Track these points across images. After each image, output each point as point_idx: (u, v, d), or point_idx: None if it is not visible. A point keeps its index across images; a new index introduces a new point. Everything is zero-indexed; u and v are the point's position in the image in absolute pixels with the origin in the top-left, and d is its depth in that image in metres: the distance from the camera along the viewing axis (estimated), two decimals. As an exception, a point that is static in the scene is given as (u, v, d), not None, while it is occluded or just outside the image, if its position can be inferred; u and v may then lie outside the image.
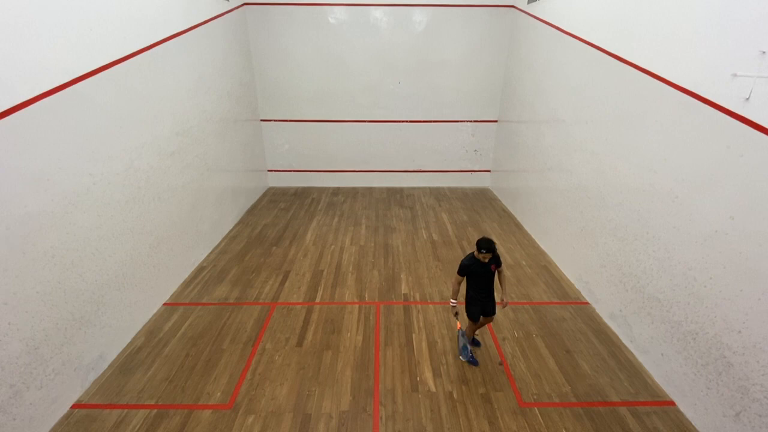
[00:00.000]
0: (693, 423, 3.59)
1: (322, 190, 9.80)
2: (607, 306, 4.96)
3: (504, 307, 4.08)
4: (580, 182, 5.60)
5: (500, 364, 4.17)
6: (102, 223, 4.09)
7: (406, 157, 9.91)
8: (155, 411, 3.67)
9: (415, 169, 10.03)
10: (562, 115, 6.18)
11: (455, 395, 3.88)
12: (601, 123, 5.11)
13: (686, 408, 3.69)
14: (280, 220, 8.01)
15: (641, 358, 4.31)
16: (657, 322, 4.09)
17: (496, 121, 9.58)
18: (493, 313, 4.11)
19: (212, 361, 4.27)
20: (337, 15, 8.61)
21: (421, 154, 9.89)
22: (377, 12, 8.61)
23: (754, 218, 3.06)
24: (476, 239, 7.02)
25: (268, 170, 9.95)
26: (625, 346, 4.53)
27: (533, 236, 7.25)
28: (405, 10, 8.60)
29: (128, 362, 4.25)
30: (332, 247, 6.88)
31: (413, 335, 4.70)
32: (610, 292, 4.88)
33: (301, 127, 9.56)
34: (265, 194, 9.55)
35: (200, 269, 6.09)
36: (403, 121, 9.57)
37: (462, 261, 3.91)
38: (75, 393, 3.77)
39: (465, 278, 3.98)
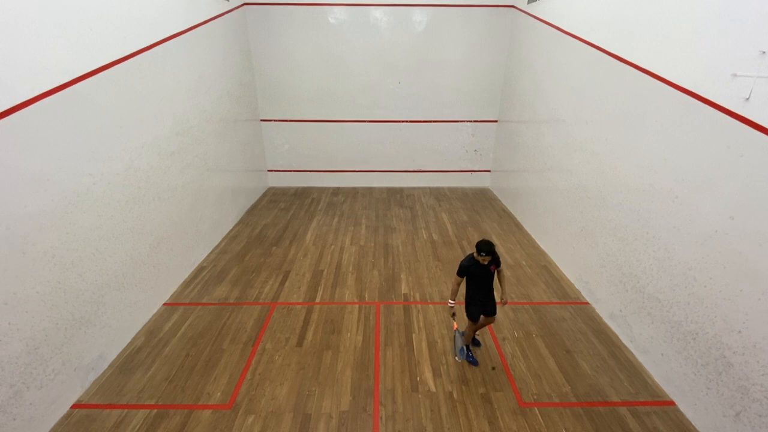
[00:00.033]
0: (693, 423, 3.59)
1: (322, 190, 9.80)
2: (607, 306, 4.96)
3: (503, 305, 4.08)
4: (580, 182, 5.60)
5: (494, 368, 4.14)
6: (102, 223, 4.09)
7: (406, 157, 9.91)
8: (155, 411, 3.67)
9: (415, 169, 10.03)
10: (562, 115, 6.18)
11: (455, 395, 3.88)
12: (601, 123, 5.11)
13: (686, 408, 3.69)
14: (280, 220, 8.01)
15: (641, 358, 4.31)
16: (657, 322, 4.09)
17: (496, 121, 9.58)
18: (494, 313, 4.11)
19: (212, 361, 4.27)
20: (337, 15, 8.61)
21: (421, 154, 9.89)
22: (377, 12, 8.61)
23: (754, 218, 3.06)
24: (476, 239, 7.09)
25: (268, 170, 9.95)
26: (625, 346, 4.53)
27: (533, 236, 7.25)
28: (405, 10, 8.60)
29: (128, 362, 4.25)
30: (332, 247, 6.88)
31: (413, 335, 4.70)
32: (610, 292, 4.88)
33: (301, 127, 9.56)
34: (265, 194, 9.55)
35: (200, 269, 6.09)
36: (403, 121, 9.57)
37: (461, 262, 3.91)
38: (75, 393, 3.77)
39: (464, 279, 3.98)
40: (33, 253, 3.29)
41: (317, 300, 5.38)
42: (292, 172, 10.00)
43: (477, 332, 4.54)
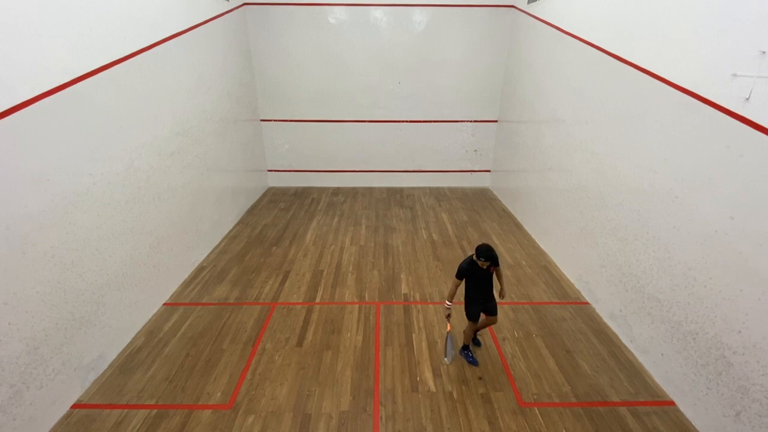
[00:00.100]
0: (693, 423, 3.59)
1: (322, 190, 9.80)
2: (607, 306, 4.96)
3: (502, 297, 4.12)
4: (580, 182, 5.60)
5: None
6: (102, 223, 4.09)
7: (406, 157, 9.91)
8: (155, 411, 3.67)
9: (415, 169, 10.03)
10: (562, 115, 6.18)
11: (455, 395, 3.88)
12: (601, 123, 5.11)
13: (686, 408, 3.69)
14: (280, 220, 8.01)
15: (641, 358, 4.31)
16: (657, 322, 4.09)
17: (496, 121, 9.58)
18: (495, 312, 4.11)
19: (212, 361, 4.27)
20: (337, 15, 8.61)
21: (421, 154, 9.89)
22: (377, 12, 8.61)
23: (754, 218, 3.06)
24: (476, 239, 7.09)
25: (268, 170, 9.95)
26: (625, 346, 4.53)
27: (533, 236, 7.25)
28: (405, 10, 8.60)
29: (128, 362, 4.25)
30: (332, 247, 6.88)
31: (413, 335, 4.70)
32: (610, 292, 4.88)
33: (301, 127, 9.56)
34: (265, 194, 9.55)
35: (200, 269, 6.09)
36: (403, 121, 9.57)
37: (460, 264, 3.91)
38: (75, 393, 3.77)
39: (463, 281, 3.98)
40: (33, 253, 3.29)
41: (317, 300, 5.38)
42: (292, 172, 10.00)
43: (478, 332, 4.55)
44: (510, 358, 4.36)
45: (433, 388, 3.95)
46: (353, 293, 5.54)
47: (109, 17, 4.19)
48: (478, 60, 9.01)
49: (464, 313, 4.17)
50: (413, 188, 10.01)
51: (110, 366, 4.19)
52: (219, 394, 3.86)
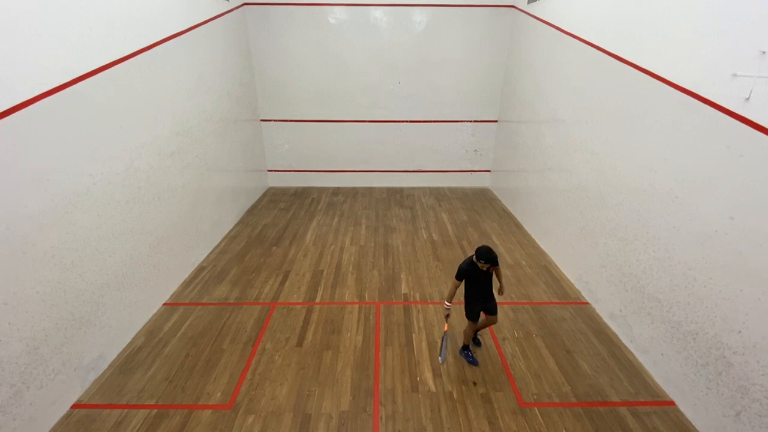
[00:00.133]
0: (693, 423, 3.59)
1: (322, 190, 9.80)
2: (607, 306, 4.96)
3: (501, 294, 4.13)
4: (580, 182, 5.60)
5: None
6: (102, 223, 4.09)
7: (406, 157, 9.91)
8: (155, 411, 3.67)
9: (415, 169, 10.03)
10: (562, 115, 6.18)
11: (455, 395, 3.88)
12: (601, 123, 5.11)
13: (686, 408, 3.69)
14: (280, 220, 8.01)
15: (641, 358, 4.31)
16: (657, 322, 4.09)
17: (496, 121, 9.58)
18: (495, 312, 4.11)
19: (212, 361, 4.27)
20: (337, 15, 8.61)
21: (421, 154, 9.89)
22: (377, 12, 8.61)
23: (754, 218, 3.06)
24: (476, 239, 7.09)
25: (268, 170, 9.95)
26: (625, 346, 4.53)
27: (533, 236, 7.25)
28: (405, 10, 8.60)
29: (128, 362, 4.25)
30: (332, 247, 6.88)
31: (413, 335, 4.70)
32: (610, 292, 4.88)
33: (301, 127, 9.56)
34: (265, 194, 9.55)
35: (200, 269, 6.09)
36: (403, 121, 9.57)
37: (460, 265, 3.91)
38: (75, 393, 3.77)
39: (463, 281, 3.98)
40: (33, 253, 3.29)
41: (317, 300, 5.38)
42: (292, 172, 10.00)
43: (478, 332, 4.55)
44: (510, 358, 4.36)
45: (433, 388, 3.95)
46: (353, 293, 5.54)
47: (109, 17, 4.19)
48: (478, 60, 9.01)
49: (464, 313, 4.17)
50: (413, 188, 10.01)
51: (110, 366, 4.19)
52: (219, 394, 3.86)
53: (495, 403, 3.79)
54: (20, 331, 3.20)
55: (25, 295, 3.24)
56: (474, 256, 3.78)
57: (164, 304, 5.22)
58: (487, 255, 3.67)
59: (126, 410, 3.67)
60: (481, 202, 9.10)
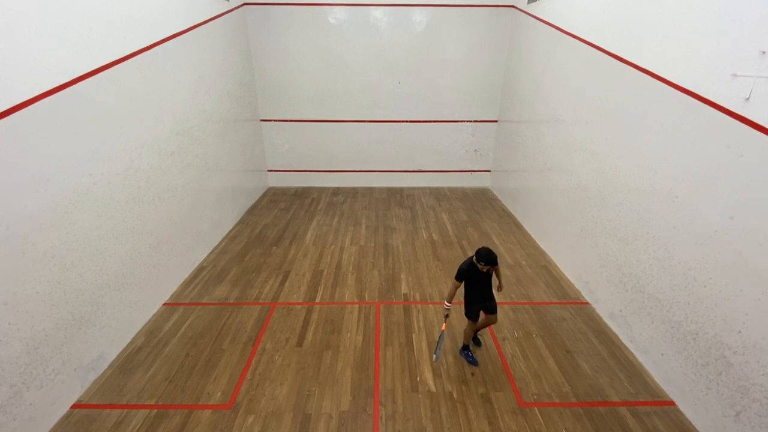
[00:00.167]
0: (693, 423, 3.59)
1: (322, 190, 9.80)
2: (607, 306, 4.96)
3: (499, 291, 4.16)
4: (580, 182, 5.60)
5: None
6: (102, 223, 4.09)
7: (406, 157, 9.90)
8: (155, 411, 3.67)
9: (415, 169, 10.03)
10: (562, 115, 6.18)
11: (455, 395, 3.88)
12: (601, 123, 5.11)
13: (686, 408, 3.69)
14: (280, 220, 8.01)
15: (641, 358, 4.31)
16: (657, 322, 4.09)
17: (496, 121, 9.58)
18: (495, 311, 4.11)
19: (212, 361, 4.27)
20: (337, 15, 8.61)
21: (421, 154, 9.88)
22: (377, 12, 8.61)
23: (754, 218, 3.06)
24: (476, 239, 7.10)
25: (268, 170, 9.95)
26: (625, 346, 4.53)
27: (533, 236, 7.25)
28: (405, 10, 8.60)
29: (128, 362, 4.25)
30: (332, 247, 6.88)
31: (413, 335, 4.70)
32: (610, 292, 4.88)
33: (301, 127, 9.56)
34: (265, 194, 9.55)
35: (200, 269, 6.09)
36: (403, 121, 9.56)
37: (460, 266, 3.91)
38: (75, 393, 3.77)
39: (463, 282, 3.99)
40: (33, 253, 3.29)
41: (317, 300, 5.38)
42: (292, 172, 10.00)
43: (478, 332, 4.55)
44: (510, 358, 4.36)
45: (433, 388, 3.95)
46: (353, 293, 5.54)
47: (109, 17, 4.19)
48: (478, 60, 9.01)
49: (464, 312, 4.17)
50: (413, 188, 10.00)
51: (110, 366, 4.19)
52: (219, 394, 3.86)
53: (495, 403, 3.79)
54: (20, 331, 3.20)
55: (25, 295, 3.24)
56: (474, 258, 3.79)
57: (164, 304, 5.22)
58: (487, 257, 3.68)
59: (126, 410, 3.67)
60: (481, 202, 9.10)
